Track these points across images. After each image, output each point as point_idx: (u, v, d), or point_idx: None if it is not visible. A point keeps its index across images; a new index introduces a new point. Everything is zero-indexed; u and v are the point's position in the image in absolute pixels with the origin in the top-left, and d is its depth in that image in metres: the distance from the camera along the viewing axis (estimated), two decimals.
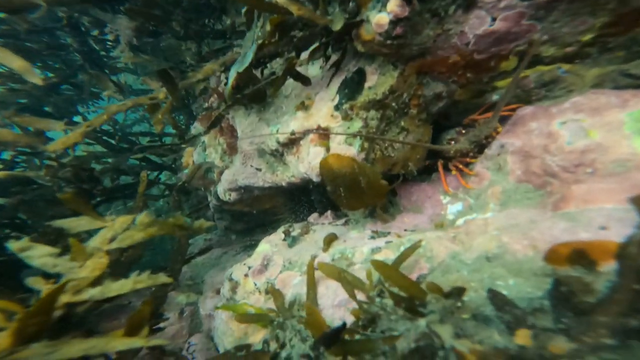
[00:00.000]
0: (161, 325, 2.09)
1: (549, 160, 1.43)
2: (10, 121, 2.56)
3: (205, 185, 2.62)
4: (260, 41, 1.52)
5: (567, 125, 1.42)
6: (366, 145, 1.70)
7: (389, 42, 1.47)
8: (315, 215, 2.54)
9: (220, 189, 2.50)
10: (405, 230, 1.83)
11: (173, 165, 3.15)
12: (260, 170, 2.24)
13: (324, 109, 1.80)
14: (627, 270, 0.93)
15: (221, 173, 2.52)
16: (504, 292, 1.14)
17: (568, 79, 1.62)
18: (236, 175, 2.34)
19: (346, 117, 1.71)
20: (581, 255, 1.04)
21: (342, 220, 2.32)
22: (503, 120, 1.83)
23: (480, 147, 1.84)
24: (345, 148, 1.70)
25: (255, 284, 1.77)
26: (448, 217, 1.86)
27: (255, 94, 1.92)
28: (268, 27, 1.49)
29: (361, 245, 1.69)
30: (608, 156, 1.29)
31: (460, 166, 1.83)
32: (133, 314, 1.22)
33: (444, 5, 1.44)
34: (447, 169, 1.96)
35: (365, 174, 1.66)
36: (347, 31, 1.52)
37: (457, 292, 1.05)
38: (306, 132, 1.84)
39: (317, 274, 1.52)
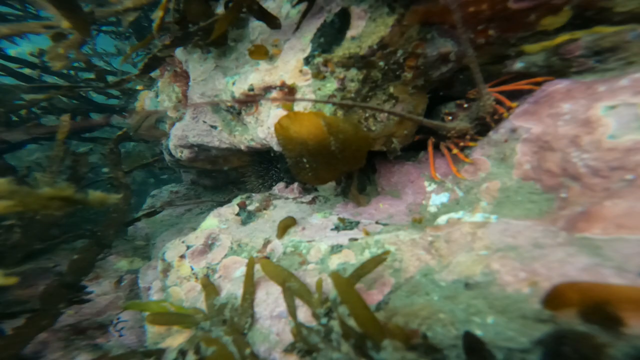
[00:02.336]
0: (90, 297, 1.84)
1: (575, 157, 1.06)
2: None
3: (156, 137, 2.22)
4: None
5: (618, 112, 1.02)
6: (340, 114, 1.31)
7: None
8: (281, 185, 2.21)
9: (171, 144, 2.11)
10: (377, 222, 1.53)
11: (124, 109, 2.70)
12: (215, 128, 1.84)
13: (291, 62, 1.37)
14: None
15: (174, 125, 2.11)
16: (479, 332, 0.88)
17: (633, 46, 1.19)
18: (186, 131, 1.94)
19: (318, 75, 1.29)
20: (601, 307, 0.75)
21: (310, 197, 2.01)
22: (522, 96, 1.44)
23: (482, 127, 1.48)
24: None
25: (193, 269, 1.49)
26: (429, 209, 1.57)
27: (204, 34, 1.46)
28: None
29: (320, 239, 1.40)
30: None
31: (455, 150, 1.48)
32: None
33: None
34: (437, 148, 1.62)
35: (339, 131, 1.27)
36: None
37: (426, 349, 0.77)
38: (267, 90, 1.43)
39: (259, 272, 1.23)
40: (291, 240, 1.44)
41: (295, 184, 2.08)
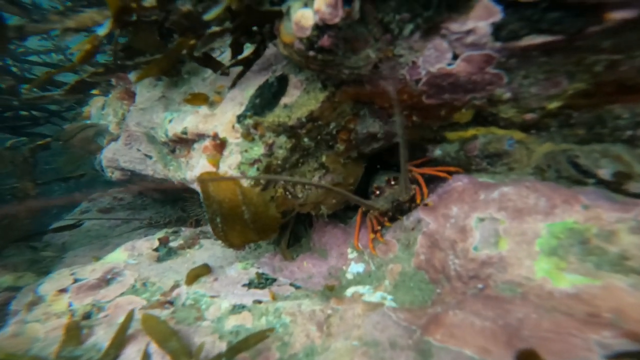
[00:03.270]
0: None
1: (451, 260, 1.18)
2: None
3: (88, 151, 2.11)
4: (121, 3, 1.05)
5: (484, 225, 1.15)
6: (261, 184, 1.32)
7: (311, 53, 1.07)
8: None
9: (103, 162, 2.02)
10: (291, 284, 1.52)
11: (66, 112, 2.55)
12: (150, 157, 1.79)
13: (228, 114, 1.38)
14: None
15: (110, 143, 2.03)
16: None
17: (515, 152, 1.32)
18: (117, 154, 1.87)
19: (247, 136, 1.31)
20: None
21: None
22: (437, 183, 1.54)
23: (404, 208, 1.55)
24: (235, 175, 1.31)
25: (71, 305, 1.36)
26: (347, 276, 1.59)
27: (147, 65, 1.44)
28: None
29: (225, 296, 1.36)
30: (504, 275, 1.05)
31: (370, 228, 1.54)
32: None
33: (399, 21, 1.04)
34: (366, 215, 1.67)
35: (251, 204, 1.30)
36: (263, 21, 1.09)
37: None
38: (200, 136, 1.42)
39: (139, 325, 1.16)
40: (195, 292, 1.39)
41: None
